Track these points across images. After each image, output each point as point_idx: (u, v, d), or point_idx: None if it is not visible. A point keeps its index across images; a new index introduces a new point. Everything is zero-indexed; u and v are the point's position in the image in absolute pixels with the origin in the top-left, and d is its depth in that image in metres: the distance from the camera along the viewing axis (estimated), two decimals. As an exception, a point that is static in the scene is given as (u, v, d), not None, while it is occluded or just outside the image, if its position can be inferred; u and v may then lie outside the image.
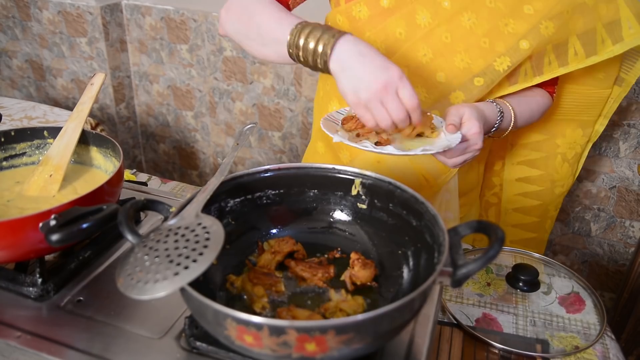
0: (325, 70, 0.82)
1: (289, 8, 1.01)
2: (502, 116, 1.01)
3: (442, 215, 1.20)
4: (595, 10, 1.00)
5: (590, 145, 1.27)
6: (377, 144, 0.86)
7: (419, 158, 1.08)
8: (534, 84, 1.05)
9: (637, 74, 1.16)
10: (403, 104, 0.80)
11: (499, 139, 1.27)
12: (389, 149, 0.84)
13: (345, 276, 0.71)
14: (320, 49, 0.80)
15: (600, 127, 1.23)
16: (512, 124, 1.03)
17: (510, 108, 1.03)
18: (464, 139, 0.90)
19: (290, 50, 0.84)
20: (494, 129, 1.01)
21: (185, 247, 0.56)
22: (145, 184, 1.06)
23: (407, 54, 1.02)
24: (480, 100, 1.05)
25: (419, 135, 0.90)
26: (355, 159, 1.14)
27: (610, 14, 1.01)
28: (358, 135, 0.90)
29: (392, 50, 1.03)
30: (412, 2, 0.99)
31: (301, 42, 0.82)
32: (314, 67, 0.84)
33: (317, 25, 0.83)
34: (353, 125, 0.91)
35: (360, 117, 0.83)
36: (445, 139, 0.90)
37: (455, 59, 1.01)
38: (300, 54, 0.83)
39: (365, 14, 1.02)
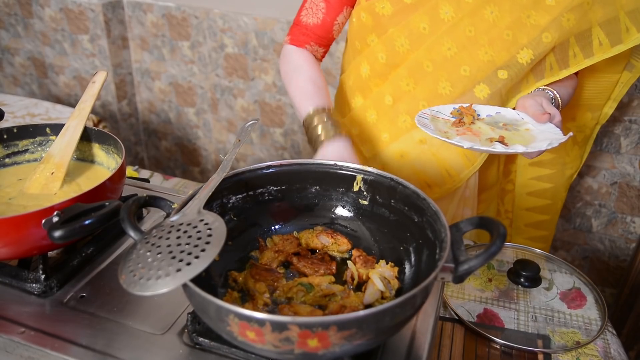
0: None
1: (332, 37, 1.14)
2: (554, 102, 1.03)
3: (460, 212, 1.21)
4: None
5: (598, 127, 1.28)
6: (501, 143, 0.90)
7: (443, 152, 1.11)
8: (560, 77, 1.05)
9: None
10: None
11: None
12: (519, 147, 0.88)
13: (347, 273, 0.71)
14: (318, 140, 0.98)
15: (610, 110, 1.25)
16: (559, 109, 1.05)
17: (557, 94, 1.05)
18: None
19: (303, 125, 1.05)
20: None
21: (188, 244, 0.56)
22: (147, 180, 1.06)
23: (432, 48, 1.04)
24: (509, 92, 1.06)
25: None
26: (378, 154, 1.16)
27: (632, 2, 1.00)
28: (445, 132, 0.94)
29: (417, 45, 1.05)
30: None
31: (309, 127, 1.02)
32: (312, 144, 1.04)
33: (324, 121, 0.99)
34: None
35: None
36: (545, 130, 0.93)
37: (479, 52, 1.02)
38: (307, 132, 1.02)
39: (388, 10, 1.04)
